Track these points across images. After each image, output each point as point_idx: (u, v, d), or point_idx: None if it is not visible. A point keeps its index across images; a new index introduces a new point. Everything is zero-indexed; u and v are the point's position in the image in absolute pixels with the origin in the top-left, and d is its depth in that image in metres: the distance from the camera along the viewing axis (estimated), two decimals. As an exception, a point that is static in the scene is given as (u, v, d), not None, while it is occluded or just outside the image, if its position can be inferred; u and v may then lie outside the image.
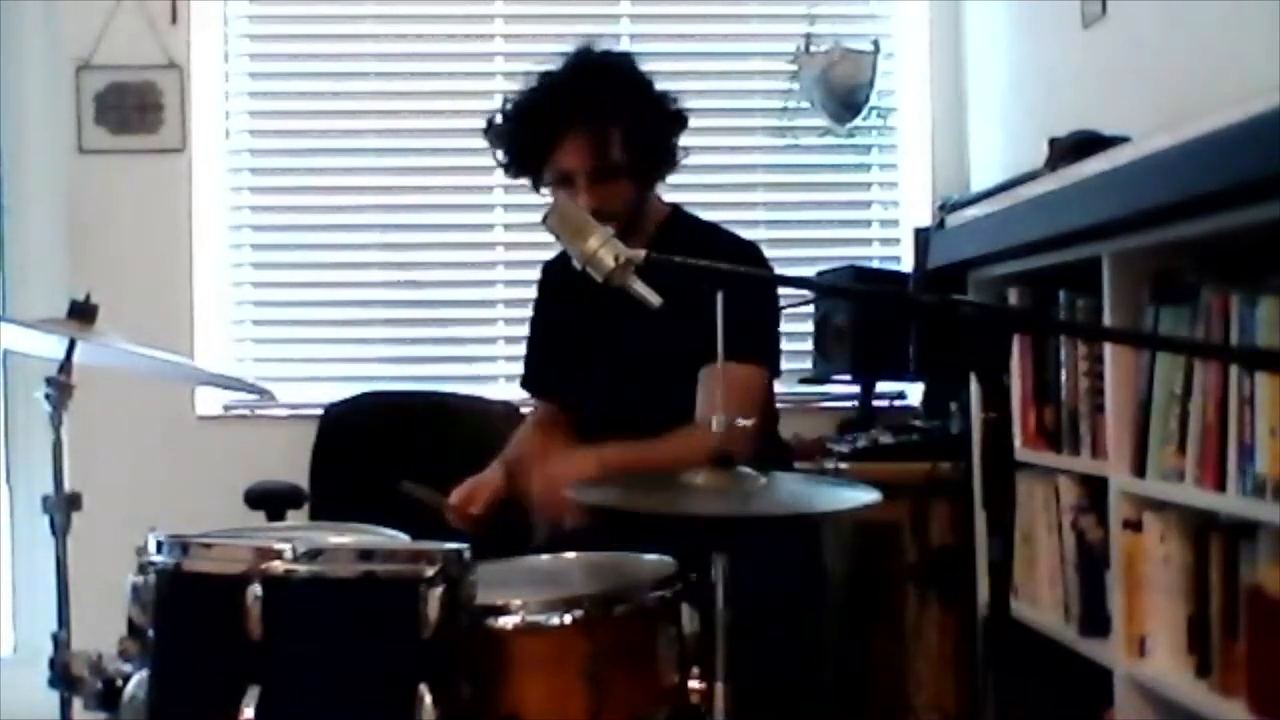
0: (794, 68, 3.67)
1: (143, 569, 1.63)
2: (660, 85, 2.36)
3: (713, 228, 2.44)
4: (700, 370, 2.19)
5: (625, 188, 2.29)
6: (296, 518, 3.10)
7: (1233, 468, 1.90)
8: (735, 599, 1.65)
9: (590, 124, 2.25)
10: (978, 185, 3.40)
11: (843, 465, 2.99)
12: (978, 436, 2.34)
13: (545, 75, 2.33)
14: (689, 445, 1.88)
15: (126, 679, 1.70)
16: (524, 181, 2.41)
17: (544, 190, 2.38)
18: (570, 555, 1.98)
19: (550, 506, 2.12)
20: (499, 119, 2.37)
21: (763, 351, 2.29)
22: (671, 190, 2.45)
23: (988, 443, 1.32)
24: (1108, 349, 2.27)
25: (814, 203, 3.77)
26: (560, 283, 2.46)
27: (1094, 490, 2.37)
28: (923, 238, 3.20)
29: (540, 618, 1.64)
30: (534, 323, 2.59)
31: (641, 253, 1.60)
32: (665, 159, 2.35)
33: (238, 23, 3.73)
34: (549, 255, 2.56)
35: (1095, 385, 2.34)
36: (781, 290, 2.52)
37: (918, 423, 3.26)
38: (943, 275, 2.83)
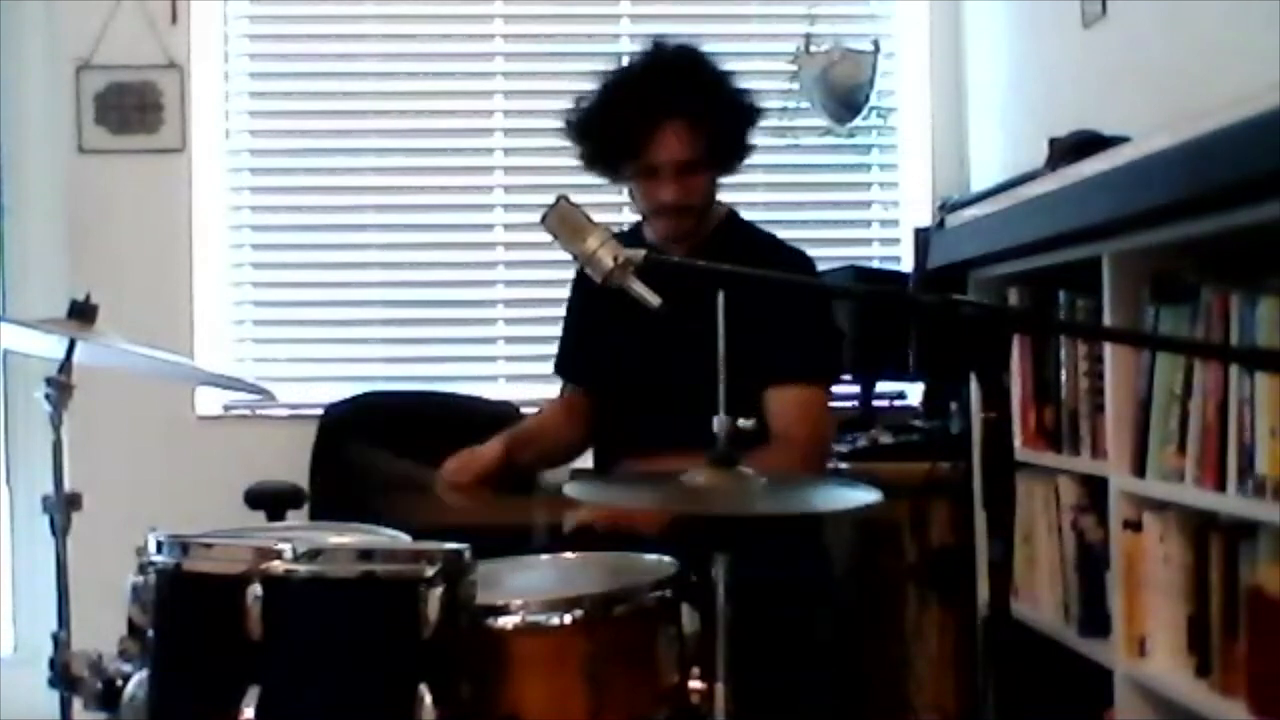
0: (794, 68, 3.67)
1: (143, 569, 1.63)
2: None
3: (764, 234, 2.44)
4: (767, 392, 2.21)
5: (706, 181, 2.32)
6: (296, 518, 3.10)
7: (1233, 468, 1.90)
8: (736, 599, 1.65)
9: (686, 117, 2.27)
10: (978, 185, 3.40)
11: (843, 465, 2.99)
12: (978, 436, 2.34)
13: (628, 69, 2.37)
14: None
15: (126, 679, 1.70)
16: (532, 171, 2.41)
17: (624, 183, 2.39)
18: (570, 555, 1.98)
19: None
20: (580, 114, 2.36)
21: (823, 369, 2.33)
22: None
23: (988, 443, 1.32)
24: (1108, 349, 2.27)
25: (814, 203, 3.77)
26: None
27: (1094, 490, 2.37)
28: (923, 238, 3.20)
29: (540, 618, 1.64)
30: (570, 310, 2.60)
31: (640, 253, 1.60)
32: (742, 154, 2.37)
33: (238, 23, 3.73)
34: (549, 255, 2.55)
35: (1095, 385, 2.34)
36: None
37: (918, 423, 3.26)
38: (943, 275, 2.83)
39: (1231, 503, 1.91)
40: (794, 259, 2.36)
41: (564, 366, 2.61)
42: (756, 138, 2.41)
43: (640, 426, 2.30)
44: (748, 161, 2.42)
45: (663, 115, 2.27)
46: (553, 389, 2.73)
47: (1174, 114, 2.11)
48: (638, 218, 2.48)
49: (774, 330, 2.13)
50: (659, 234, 2.35)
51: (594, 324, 2.48)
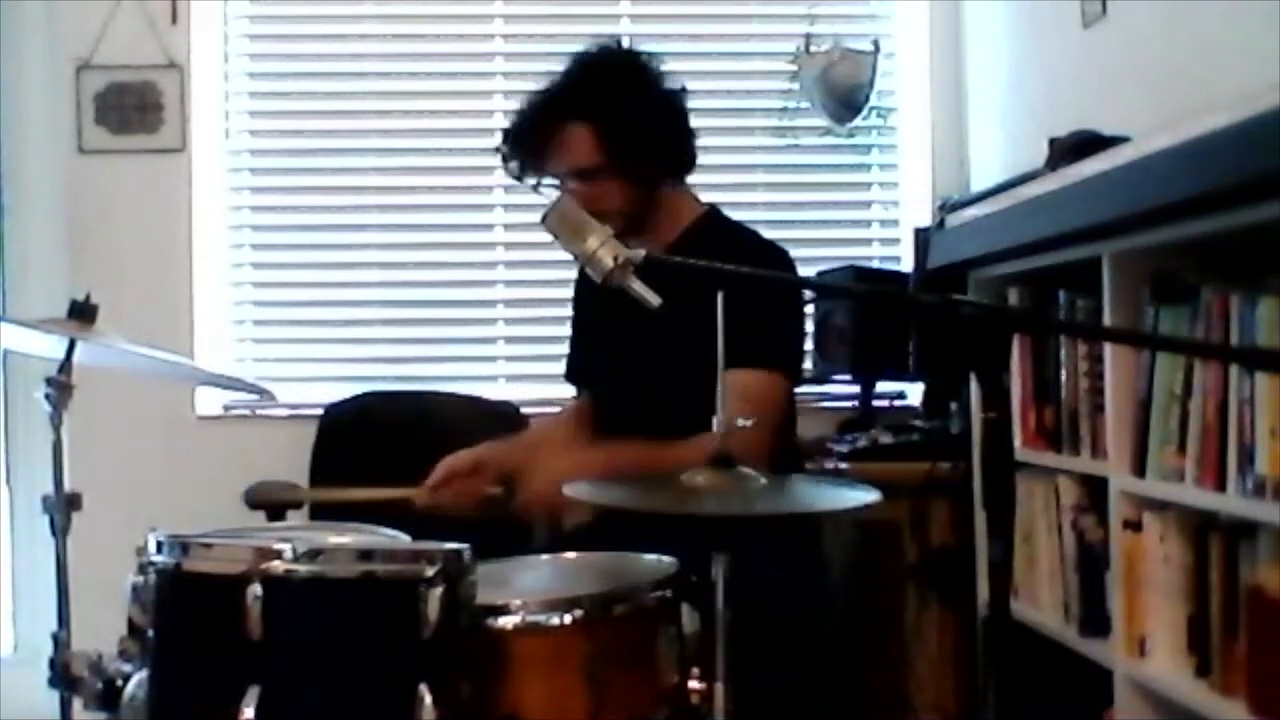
0: (794, 68, 3.67)
1: (143, 569, 1.63)
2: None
3: (744, 231, 2.42)
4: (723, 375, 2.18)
5: (616, 187, 2.27)
6: (296, 518, 3.10)
7: (1233, 468, 1.90)
8: (736, 599, 1.65)
9: (582, 122, 2.25)
10: (978, 185, 3.40)
11: (843, 465, 2.99)
12: (978, 436, 2.34)
13: (550, 79, 2.33)
14: (699, 452, 1.78)
15: (126, 679, 1.69)
16: (528, 182, 2.40)
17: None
18: (570, 555, 1.98)
19: (549, 503, 2.11)
20: (505, 131, 2.36)
21: (781, 357, 2.27)
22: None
23: (988, 443, 1.32)
24: (1108, 349, 2.27)
25: (814, 203, 3.77)
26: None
27: (1094, 490, 2.37)
28: (923, 238, 3.20)
29: (540, 618, 1.64)
30: (574, 313, 2.59)
31: (641, 253, 1.61)
32: (659, 157, 2.32)
33: (238, 23, 3.73)
34: (549, 255, 2.55)
35: (1095, 385, 2.34)
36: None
37: (918, 423, 3.26)
38: (943, 275, 2.83)
39: (1231, 503, 1.91)
40: (768, 254, 2.34)
41: (571, 372, 2.60)
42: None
43: (632, 424, 2.29)
44: (750, 162, 2.41)
45: (557, 121, 2.26)
46: (552, 389, 2.74)
47: (1174, 114, 2.11)
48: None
49: (735, 318, 2.11)
50: None
51: (592, 325, 2.48)
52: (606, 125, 2.25)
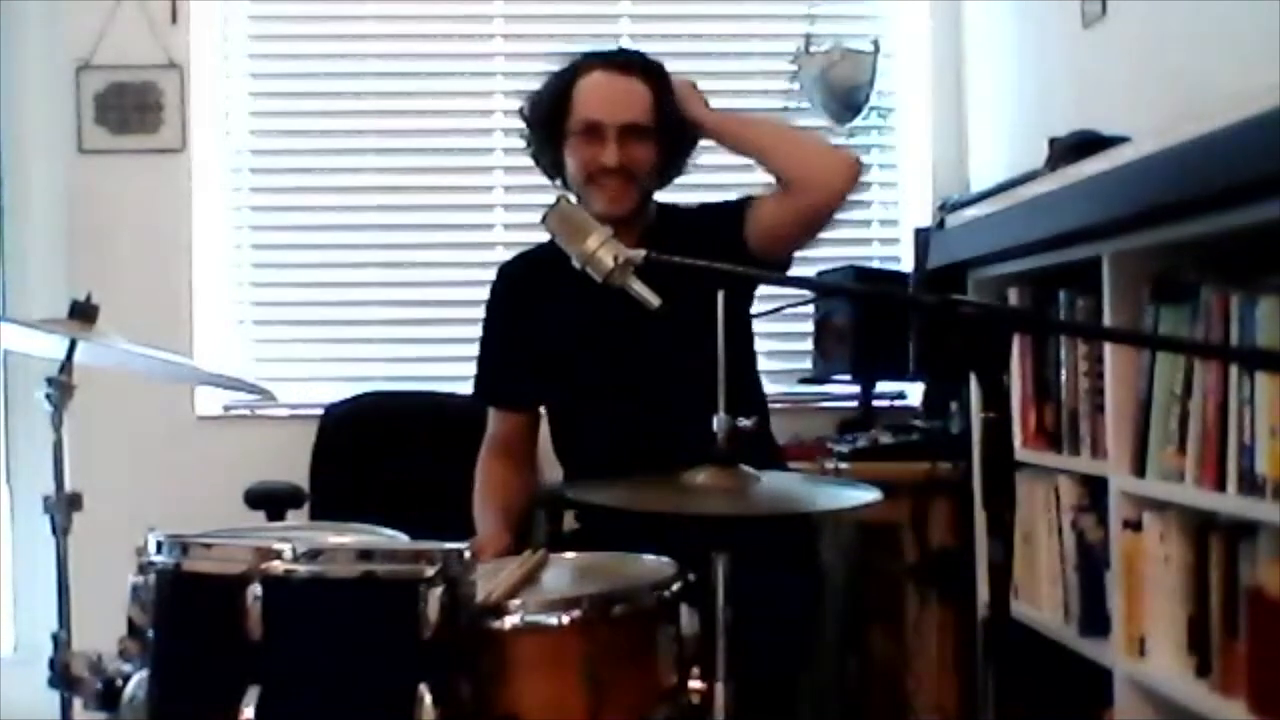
0: (794, 68, 3.67)
1: (143, 569, 1.63)
2: None
3: (694, 207, 2.44)
4: (753, 205, 2.30)
5: (650, 155, 2.29)
6: (296, 518, 3.10)
7: (1233, 468, 1.90)
8: (734, 599, 1.65)
9: (637, 76, 2.28)
10: (978, 185, 3.40)
11: (843, 465, 2.99)
12: (978, 436, 2.34)
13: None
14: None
15: (126, 679, 1.69)
16: (532, 171, 2.40)
17: (556, 184, 2.39)
18: (570, 555, 1.98)
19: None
20: (534, 92, 2.37)
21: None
22: (671, 190, 2.44)
23: (988, 443, 1.32)
24: (1108, 349, 2.27)
25: (814, 203, 3.77)
26: (543, 283, 2.44)
27: (1094, 490, 2.37)
28: (923, 238, 3.20)
29: (540, 618, 1.64)
30: (495, 328, 2.54)
31: (641, 253, 1.60)
32: (684, 148, 2.36)
33: (238, 23, 3.73)
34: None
35: (1095, 385, 2.34)
36: (782, 290, 2.51)
37: (918, 423, 3.26)
38: (943, 275, 2.83)
39: (1231, 503, 1.91)
40: (725, 205, 2.38)
41: (508, 393, 2.50)
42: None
43: (629, 428, 2.27)
44: (751, 162, 2.42)
45: (615, 69, 2.29)
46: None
47: (1174, 114, 2.11)
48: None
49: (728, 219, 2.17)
50: (597, 205, 2.23)
51: (541, 335, 2.43)
52: (662, 94, 2.29)
